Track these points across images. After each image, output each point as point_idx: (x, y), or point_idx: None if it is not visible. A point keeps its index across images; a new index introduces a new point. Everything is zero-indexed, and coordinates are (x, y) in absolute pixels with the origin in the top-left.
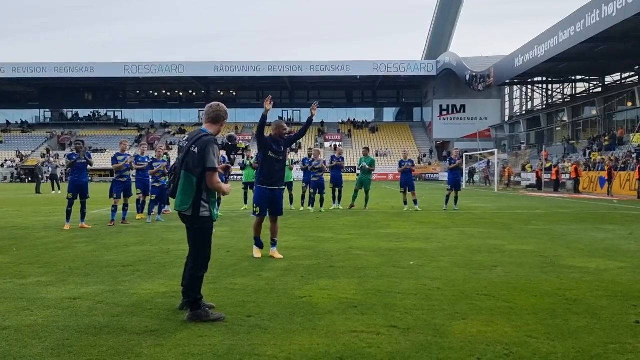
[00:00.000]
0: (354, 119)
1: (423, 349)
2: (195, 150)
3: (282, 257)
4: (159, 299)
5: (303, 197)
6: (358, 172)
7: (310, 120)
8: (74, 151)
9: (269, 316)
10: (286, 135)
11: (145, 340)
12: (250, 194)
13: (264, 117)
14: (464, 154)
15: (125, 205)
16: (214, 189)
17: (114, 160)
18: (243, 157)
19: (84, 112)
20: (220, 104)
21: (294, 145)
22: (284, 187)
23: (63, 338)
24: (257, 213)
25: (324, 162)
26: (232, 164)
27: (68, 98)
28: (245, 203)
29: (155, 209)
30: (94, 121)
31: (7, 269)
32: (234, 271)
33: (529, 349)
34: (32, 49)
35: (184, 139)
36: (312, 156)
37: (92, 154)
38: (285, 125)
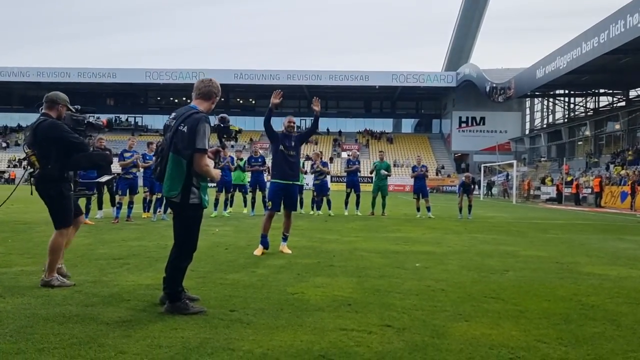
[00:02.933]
0: (372, 129)
1: (417, 350)
2: (185, 129)
3: (290, 252)
4: (140, 291)
5: (313, 201)
6: (373, 175)
7: (316, 116)
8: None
9: (253, 311)
10: (296, 132)
11: (113, 330)
12: (239, 197)
13: (270, 110)
14: (482, 165)
15: (130, 203)
16: (202, 172)
17: (121, 157)
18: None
19: (105, 117)
20: (212, 79)
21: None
22: (299, 183)
23: (26, 325)
24: (269, 207)
25: (324, 164)
26: (224, 148)
27: (90, 103)
28: (225, 208)
29: (162, 208)
30: (115, 126)
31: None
32: (227, 267)
33: (538, 353)
34: (57, 55)
35: (171, 117)
36: (312, 159)
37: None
38: (292, 119)
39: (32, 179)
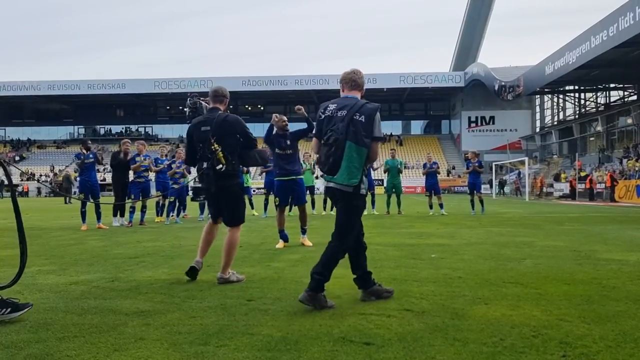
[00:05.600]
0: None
1: (438, 330)
2: (362, 118)
3: (311, 244)
4: (157, 285)
5: (325, 201)
6: (386, 175)
7: (305, 118)
8: (82, 151)
9: (271, 300)
10: (288, 129)
11: (132, 320)
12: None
13: (270, 126)
14: (493, 164)
15: (144, 207)
16: (375, 159)
17: (132, 161)
18: None
19: (116, 128)
20: (357, 70)
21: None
22: (300, 176)
23: (46, 317)
24: (277, 204)
25: None
26: None
27: (101, 114)
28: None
29: (174, 212)
30: (125, 137)
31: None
32: (242, 262)
33: (561, 331)
34: (67, 69)
35: (332, 108)
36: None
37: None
38: (282, 117)
39: (211, 176)
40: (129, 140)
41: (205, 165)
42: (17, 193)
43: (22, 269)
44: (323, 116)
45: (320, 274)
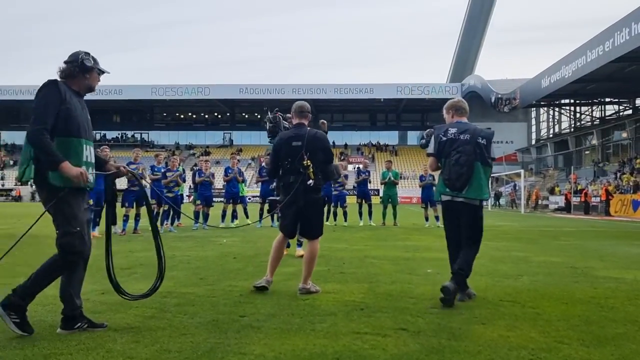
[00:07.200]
0: (378, 142)
1: (434, 352)
2: (484, 142)
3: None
4: (148, 298)
5: (328, 211)
6: (381, 186)
7: None
8: None
9: (264, 316)
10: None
11: (121, 336)
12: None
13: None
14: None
15: (137, 215)
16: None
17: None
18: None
19: (111, 134)
20: (461, 98)
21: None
22: None
23: (34, 332)
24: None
25: (344, 176)
26: None
27: (97, 120)
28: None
29: (169, 220)
30: (121, 142)
31: (3, 271)
32: (236, 275)
33: (560, 354)
34: None
35: (453, 131)
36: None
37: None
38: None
39: (300, 190)
40: (107, 147)
41: (292, 179)
42: (10, 198)
43: (159, 282)
44: (445, 138)
45: (464, 270)
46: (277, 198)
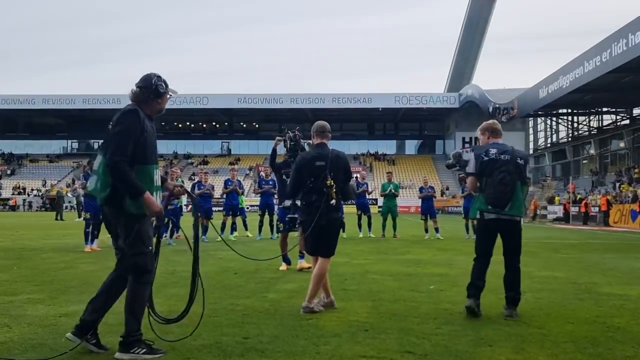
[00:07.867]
0: (376, 151)
1: None
2: (522, 162)
3: (310, 265)
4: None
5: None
6: (381, 197)
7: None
8: (89, 172)
9: (268, 338)
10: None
11: None
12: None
13: (274, 150)
14: None
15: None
16: None
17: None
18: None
19: None
20: (495, 120)
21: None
22: None
23: (34, 357)
24: (281, 229)
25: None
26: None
27: (95, 129)
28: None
29: (167, 233)
30: None
31: (0, 287)
32: (238, 292)
33: None
34: (62, 82)
35: (494, 152)
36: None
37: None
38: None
39: (322, 209)
40: (178, 169)
41: (314, 198)
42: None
43: (190, 304)
44: (487, 159)
45: (519, 294)
46: (295, 216)
